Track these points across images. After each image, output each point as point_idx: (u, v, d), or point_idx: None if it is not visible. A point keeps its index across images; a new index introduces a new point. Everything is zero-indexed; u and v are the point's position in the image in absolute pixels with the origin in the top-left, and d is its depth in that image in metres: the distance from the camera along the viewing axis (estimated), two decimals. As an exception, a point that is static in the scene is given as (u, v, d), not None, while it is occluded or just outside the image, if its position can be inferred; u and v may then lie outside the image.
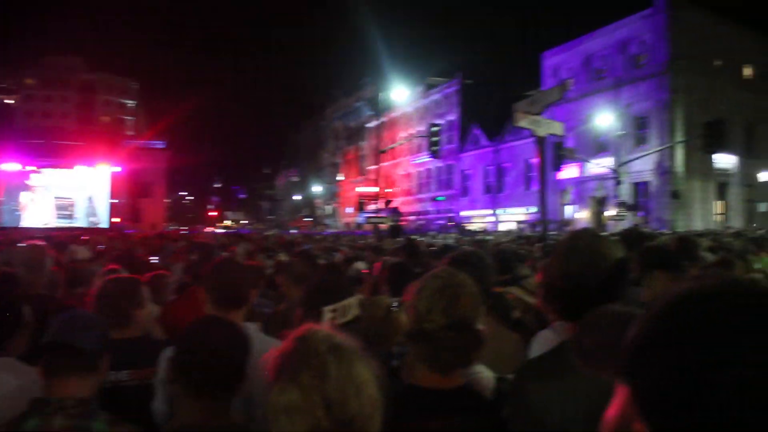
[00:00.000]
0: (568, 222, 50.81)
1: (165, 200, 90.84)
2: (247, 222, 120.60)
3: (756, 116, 52.75)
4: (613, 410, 0.88)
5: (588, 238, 2.46)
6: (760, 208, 50.52)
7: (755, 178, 50.38)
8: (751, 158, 51.39)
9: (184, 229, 60.40)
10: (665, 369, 0.78)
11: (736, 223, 47.12)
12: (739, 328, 0.76)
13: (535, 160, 47.09)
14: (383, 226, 31.95)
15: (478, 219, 64.25)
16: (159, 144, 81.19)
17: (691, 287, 0.84)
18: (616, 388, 0.89)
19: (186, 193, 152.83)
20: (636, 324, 0.87)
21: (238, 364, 2.47)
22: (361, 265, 8.18)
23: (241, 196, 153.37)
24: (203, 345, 2.44)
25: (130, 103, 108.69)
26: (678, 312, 0.82)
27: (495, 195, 63.77)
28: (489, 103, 58.90)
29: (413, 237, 25.74)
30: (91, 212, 63.37)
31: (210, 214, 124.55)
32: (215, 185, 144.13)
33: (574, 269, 2.33)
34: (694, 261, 5.58)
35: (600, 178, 47.89)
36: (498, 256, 7.24)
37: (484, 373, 2.74)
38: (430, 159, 52.34)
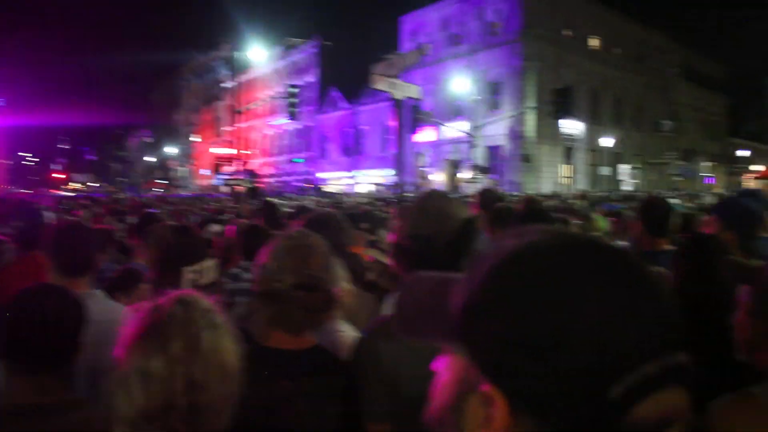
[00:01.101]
0: (423, 184, 51.83)
1: (4, 161, 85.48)
2: (97, 185, 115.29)
3: (601, 85, 55.66)
4: (447, 376, 0.85)
5: (436, 199, 2.48)
6: (603, 171, 53.39)
7: (598, 143, 53.18)
8: (595, 124, 54.25)
9: (26, 192, 57.08)
10: (501, 332, 0.75)
11: (582, 185, 49.61)
12: (575, 282, 0.74)
13: (392, 123, 47.59)
14: (240, 189, 31.48)
15: (337, 181, 64.40)
16: (-4, 102, 76.13)
17: (521, 243, 0.80)
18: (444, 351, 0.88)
19: (30, 155, 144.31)
20: (464, 286, 0.83)
21: (72, 335, 2.27)
22: (216, 228, 8.02)
23: (90, 157, 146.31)
24: (31, 316, 2.22)
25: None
26: (509, 270, 0.78)
27: (353, 157, 64.08)
28: (347, 66, 58.80)
29: (270, 199, 25.55)
30: None
31: (55, 176, 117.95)
32: (61, 146, 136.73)
33: (423, 230, 2.34)
34: (542, 221, 5.80)
35: (455, 141, 48.96)
36: (355, 218, 7.31)
37: (348, 333, 2.75)
38: (288, 120, 51.78)
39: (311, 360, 2.35)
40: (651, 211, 4.37)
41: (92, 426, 2.02)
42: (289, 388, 2.24)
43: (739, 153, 78.00)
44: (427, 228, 2.34)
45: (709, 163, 71.26)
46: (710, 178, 69.97)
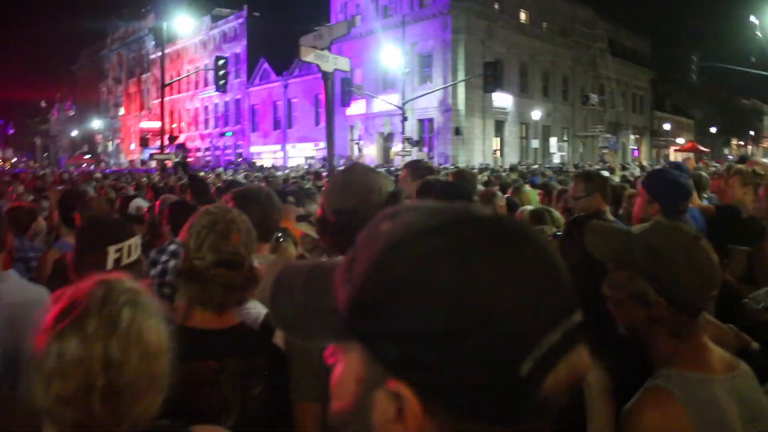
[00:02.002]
0: (353, 157, 51.82)
1: None
2: (17, 160, 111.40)
3: (529, 59, 56.32)
4: (347, 373, 0.81)
5: (360, 173, 2.46)
6: (533, 144, 54.20)
7: (529, 117, 53.92)
8: (524, 98, 54.94)
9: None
10: (396, 325, 0.72)
11: (512, 158, 50.31)
12: (462, 263, 0.71)
13: (323, 96, 47.30)
14: (169, 163, 30.88)
15: (268, 155, 63.86)
16: None
17: (397, 227, 0.77)
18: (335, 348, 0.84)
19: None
20: (345, 278, 0.79)
21: None
22: (141, 203, 7.83)
23: (10, 131, 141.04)
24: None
25: None
26: (392, 259, 0.74)
27: (284, 130, 63.54)
28: (277, 37, 58.02)
29: (199, 173, 25.10)
30: None
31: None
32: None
33: (347, 204, 2.33)
34: (472, 193, 5.83)
35: (387, 114, 48.94)
36: (284, 193, 7.24)
37: (255, 309, 2.71)
38: (218, 93, 50.94)
39: (234, 339, 2.31)
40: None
41: (9, 412, 1.94)
42: (213, 367, 2.20)
43: (662, 126, 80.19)
44: (351, 202, 2.32)
45: (635, 136, 73.02)
46: (636, 151, 71.75)
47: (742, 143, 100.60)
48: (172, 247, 3.88)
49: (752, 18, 34.66)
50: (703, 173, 7.95)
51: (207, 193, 8.21)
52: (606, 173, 17.35)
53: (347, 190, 2.37)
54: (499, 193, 7.04)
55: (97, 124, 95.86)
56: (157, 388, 1.53)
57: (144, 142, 53.44)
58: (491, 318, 0.69)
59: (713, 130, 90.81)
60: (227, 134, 70.23)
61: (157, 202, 5.91)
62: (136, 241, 3.10)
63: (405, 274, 0.72)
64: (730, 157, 46.17)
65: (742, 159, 13.85)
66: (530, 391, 0.70)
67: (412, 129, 47.38)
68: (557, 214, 5.42)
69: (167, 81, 44.15)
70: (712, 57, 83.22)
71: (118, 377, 1.43)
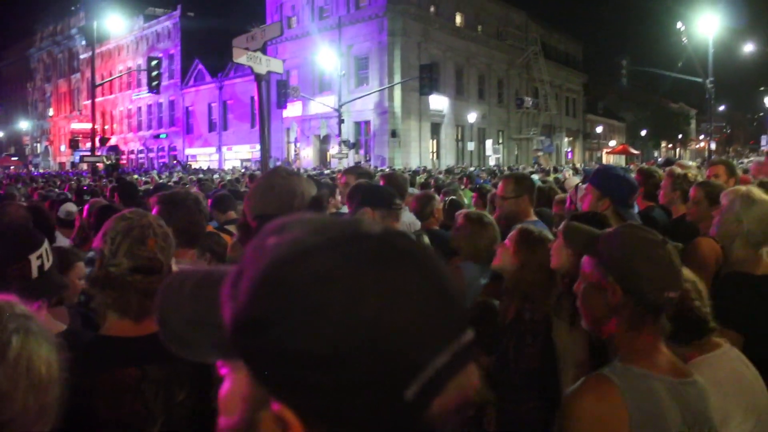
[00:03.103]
0: (290, 160, 51.68)
1: None
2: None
3: (465, 61, 56.88)
4: (233, 393, 0.78)
5: (283, 177, 2.44)
6: (469, 146, 54.73)
7: (465, 119, 54.44)
8: (460, 100, 55.43)
9: None
10: (279, 347, 0.69)
11: (449, 160, 50.71)
12: (347, 283, 0.69)
13: (258, 97, 46.85)
14: (100, 166, 30.20)
15: (204, 157, 63.14)
16: None
17: (283, 242, 0.74)
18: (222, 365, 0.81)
19: None
20: (232, 294, 0.75)
21: None
22: (71, 208, 7.65)
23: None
24: None
25: None
26: (277, 277, 0.71)
27: (220, 133, 62.85)
28: (212, 38, 57.36)
29: (129, 177, 24.62)
30: None
31: None
32: None
33: (269, 208, 2.31)
34: (403, 197, 5.84)
35: (324, 116, 48.81)
36: (218, 197, 7.16)
37: None
38: (151, 94, 50.08)
39: (155, 346, 2.26)
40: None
41: None
42: (134, 375, 2.16)
43: (595, 129, 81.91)
44: (273, 207, 2.30)
45: (568, 139, 74.40)
46: (569, 153, 73.15)
47: (671, 146, 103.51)
48: (90, 254, 3.79)
49: (679, 24, 35.64)
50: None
51: (136, 196, 8.08)
52: (536, 176, 17.68)
53: (269, 195, 2.36)
54: (437, 196, 7.08)
55: (24, 125, 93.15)
56: (46, 420, 1.44)
57: (74, 144, 52.11)
58: (377, 341, 0.66)
59: (643, 132, 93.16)
60: (161, 136, 69.09)
61: (86, 207, 5.79)
62: (46, 243, 3.01)
63: (289, 294, 0.69)
64: (659, 159, 47.44)
65: (668, 161, 14.23)
66: (416, 415, 0.68)
67: (348, 131, 47.43)
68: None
69: (98, 81, 43.26)
70: (642, 62, 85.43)
71: (4, 409, 1.36)
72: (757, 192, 3.52)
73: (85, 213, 5.70)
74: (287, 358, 0.68)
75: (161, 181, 21.76)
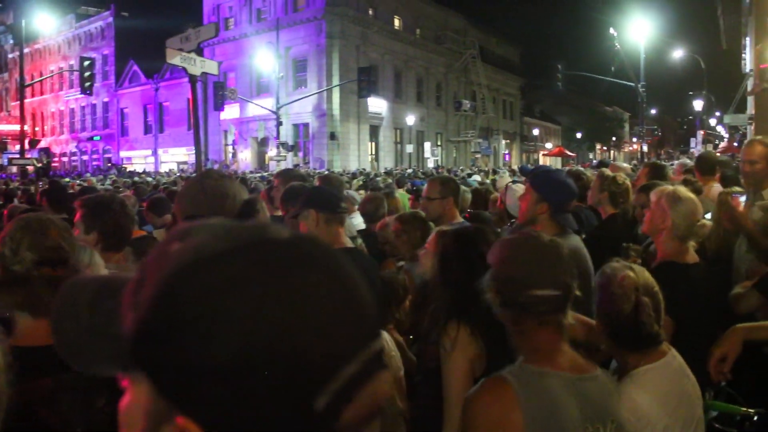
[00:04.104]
0: (227, 163, 51.22)
1: None
2: None
3: (404, 64, 57.15)
4: (134, 406, 0.74)
5: (214, 179, 2.38)
6: (408, 149, 54.98)
7: (403, 122, 54.69)
8: (399, 103, 55.67)
9: None
10: (180, 358, 0.66)
11: (388, 163, 50.85)
12: (252, 292, 0.66)
13: (191, 99, 46.22)
14: (31, 168, 29.31)
15: (139, 160, 62.08)
16: None
17: (186, 248, 0.71)
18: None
19: None
20: (132, 301, 0.72)
21: None
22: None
23: None
24: None
25: None
26: (177, 285, 0.68)
27: (156, 135, 61.89)
28: (148, 38, 56.43)
29: (64, 179, 23.99)
30: None
31: None
32: None
33: (200, 210, 2.24)
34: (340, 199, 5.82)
35: (262, 119, 48.49)
36: (153, 200, 7.02)
37: None
38: (84, 95, 49.00)
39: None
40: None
41: None
42: (48, 385, 2.04)
43: (531, 132, 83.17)
44: (204, 208, 2.23)
45: (506, 141, 75.34)
46: (507, 155, 74.09)
47: (605, 148, 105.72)
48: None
49: (611, 30, 36.41)
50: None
51: (65, 200, 7.81)
52: (477, 177, 17.83)
53: (199, 197, 2.28)
54: (396, 193, 7.10)
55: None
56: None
57: (2, 147, 50.67)
58: (284, 351, 0.65)
59: (579, 135, 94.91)
60: (95, 138, 67.64)
61: (5, 212, 5.58)
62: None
63: (192, 303, 0.66)
64: (594, 161, 48.53)
65: (602, 163, 14.48)
66: (327, 425, 0.66)
67: (287, 134, 47.16)
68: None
69: (28, 82, 42.11)
70: (578, 66, 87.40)
71: None
72: (683, 190, 3.67)
73: (5, 218, 5.51)
74: (189, 370, 0.65)
75: (93, 185, 21.25)
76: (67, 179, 27.24)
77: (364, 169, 35.68)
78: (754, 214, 4.18)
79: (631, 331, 2.42)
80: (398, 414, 3.30)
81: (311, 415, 0.65)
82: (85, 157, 68.44)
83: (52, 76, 64.63)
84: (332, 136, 48.00)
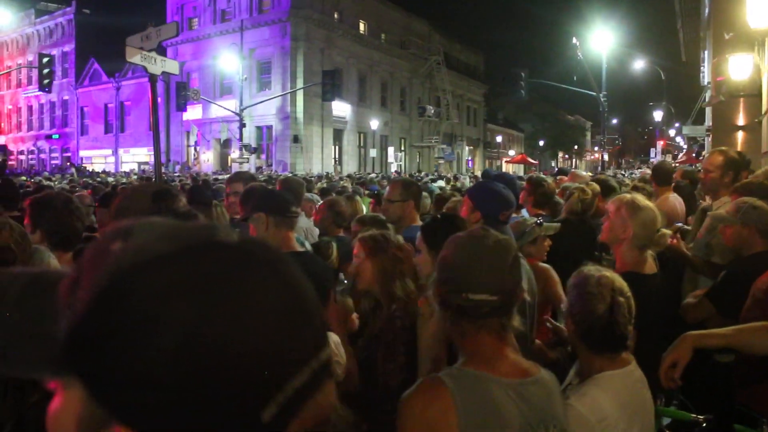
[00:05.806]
0: (189, 164, 50.82)
1: None
2: None
3: (368, 69, 57.22)
4: (66, 413, 0.69)
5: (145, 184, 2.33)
6: (371, 153, 55.03)
7: (367, 126, 54.72)
8: (363, 107, 55.73)
9: None
10: (118, 366, 0.62)
11: (351, 167, 50.82)
12: (196, 299, 0.63)
13: (151, 99, 45.72)
14: (-14, 166, 28.81)
15: (99, 159, 61.24)
16: None
17: (127, 249, 0.67)
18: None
19: None
20: (68, 302, 0.68)
21: None
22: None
23: None
24: None
25: None
26: (116, 289, 0.64)
27: (117, 134, 61.12)
28: (109, 36, 55.70)
29: (20, 178, 23.55)
30: None
31: None
32: None
33: (143, 212, 2.18)
34: (298, 202, 5.75)
35: (225, 120, 48.12)
36: (104, 197, 6.87)
37: None
38: (43, 93, 48.21)
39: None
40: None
41: None
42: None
43: (495, 138, 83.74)
44: (144, 212, 2.18)
45: (469, 147, 75.74)
46: (470, 161, 74.49)
47: (567, 156, 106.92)
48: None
49: (574, 40, 36.76)
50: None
51: (16, 199, 7.64)
52: (441, 182, 17.89)
53: (137, 199, 2.23)
54: (357, 197, 7.04)
55: None
56: None
57: (-42, 144, 49.77)
58: (229, 359, 0.62)
59: (542, 143, 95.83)
60: (54, 137, 66.54)
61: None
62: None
63: (132, 306, 0.63)
64: (555, 169, 49.14)
65: (561, 171, 14.61)
66: None
67: (250, 136, 46.90)
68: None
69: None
70: (541, 74, 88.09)
71: None
72: (642, 199, 3.69)
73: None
74: (127, 376, 0.62)
75: (51, 183, 20.88)
76: (24, 177, 26.78)
77: (327, 173, 35.62)
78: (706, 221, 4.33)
79: (603, 332, 2.46)
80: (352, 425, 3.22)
81: (259, 426, 0.63)
82: (43, 156, 67.30)
83: (9, 72, 63.51)
84: (296, 139, 47.82)
